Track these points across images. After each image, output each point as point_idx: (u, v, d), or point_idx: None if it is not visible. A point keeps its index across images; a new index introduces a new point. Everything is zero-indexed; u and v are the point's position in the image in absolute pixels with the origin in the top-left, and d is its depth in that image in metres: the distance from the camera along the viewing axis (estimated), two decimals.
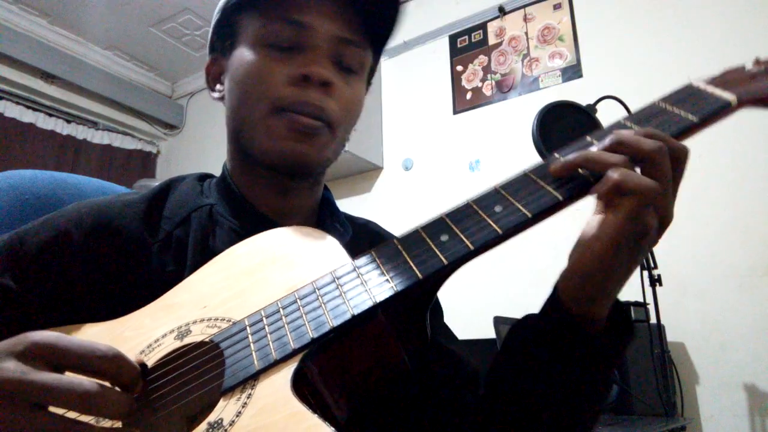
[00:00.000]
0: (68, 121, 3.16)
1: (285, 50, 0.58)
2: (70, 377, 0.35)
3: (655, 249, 1.46)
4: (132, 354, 0.46)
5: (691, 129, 0.45)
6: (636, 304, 1.59)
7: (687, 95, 0.48)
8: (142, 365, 0.41)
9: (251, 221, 0.60)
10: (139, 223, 0.57)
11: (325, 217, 0.68)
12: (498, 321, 1.39)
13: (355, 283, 0.43)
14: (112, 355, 0.37)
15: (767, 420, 1.60)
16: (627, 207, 0.39)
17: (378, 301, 0.41)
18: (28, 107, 2.97)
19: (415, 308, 0.45)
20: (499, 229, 0.41)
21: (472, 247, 0.41)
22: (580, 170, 0.43)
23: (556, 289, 0.47)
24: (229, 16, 0.62)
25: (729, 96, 0.46)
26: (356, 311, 0.41)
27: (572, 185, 0.42)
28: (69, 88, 3.07)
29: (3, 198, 0.68)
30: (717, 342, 1.71)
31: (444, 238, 0.43)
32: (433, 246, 0.43)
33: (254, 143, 0.59)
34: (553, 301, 0.47)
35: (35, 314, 0.52)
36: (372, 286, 0.42)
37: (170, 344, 0.45)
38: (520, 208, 0.42)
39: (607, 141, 0.43)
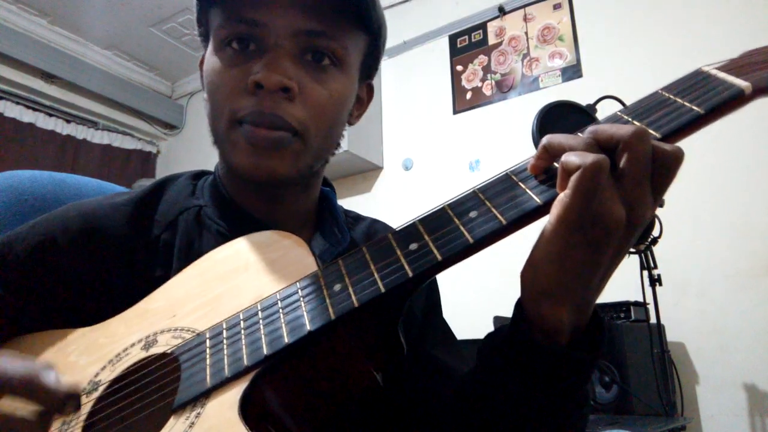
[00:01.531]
0: (68, 121, 3.15)
1: (245, 52, 0.53)
2: None
3: (655, 249, 1.46)
4: (103, 362, 0.45)
5: (696, 122, 0.38)
6: (636, 303, 1.59)
7: (694, 83, 0.41)
8: (72, 393, 0.39)
9: (241, 224, 0.58)
10: (127, 226, 0.56)
11: (323, 221, 0.66)
12: (498, 321, 1.39)
13: (318, 296, 0.40)
14: (19, 377, 0.37)
15: (767, 420, 1.60)
16: (573, 182, 0.35)
17: (335, 316, 0.38)
18: (28, 107, 2.97)
19: (384, 321, 0.42)
20: (471, 239, 0.38)
21: (440, 258, 0.38)
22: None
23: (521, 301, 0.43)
24: (201, 9, 0.58)
25: (742, 83, 0.39)
26: (313, 326, 0.38)
27: (555, 188, 0.38)
28: (69, 88, 3.07)
29: (2, 198, 0.68)
30: (717, 342, 1.71)
31: (413, 246, 0.39)
32: (400, 256, 0.39)
33: (225, 156, 0.57)
34: (516, 305, 0.44)
35: (23, 319, 0.52)
36: (333, 299, 0.39)
37: (136, 354, 0.45)
38: (497, 214, 0.38)
39: (582, 132, 0.39)
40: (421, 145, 2.54)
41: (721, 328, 1.71)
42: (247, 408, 0.36)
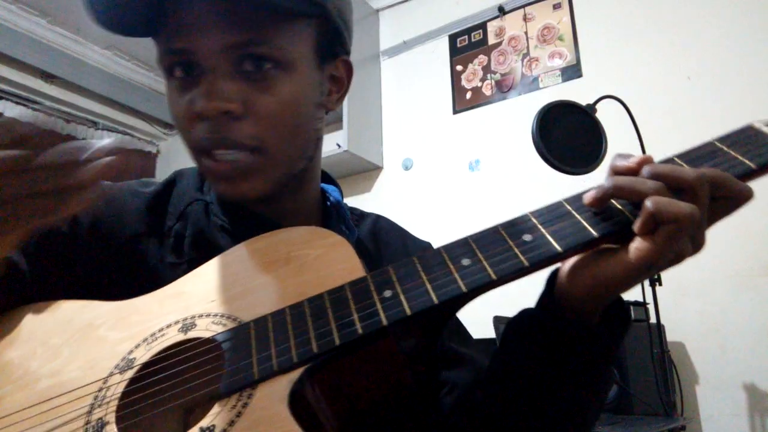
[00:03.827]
0: (68, 121, 3.15)
1: (189, 78, 0.53)
2: None
3: None
4: (137, 340, 0.46)
5: (747, 176, 0.41)
6: (636, 304, 1.59)
7: (746, 138, 0.44)
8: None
9: (247, 222, 0.59)
10: (143, 214, 0.59)
11: (329, 218, 0.66)
12: (498, 321, 1.39)
13: (367, 299, 0.41)
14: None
15: (767, 420, 1.60)
16: (664, 234, 0.37)
17: (389, 322, 0.39)
18: (28, 107, 2.97)
19: (426, 332, 0.43)
20: (525, 261, 0.39)
21: (495, 277, 0.39)
22: (618, 206, 0.41)
23: (552, 284, 0.46)
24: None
25: None
26: (365, 329, 0.39)
27: (611, 222, 0.40)
28: (69, 88, 3.07)
29: None
30: (717, 342, 1.71)
31: (466, 262, 0.41)
32: (453, 270, 0.40)
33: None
34: (549, 297, 0.46)
35: (40, 293, 0.53)
36: (385, 305, 0.40)
37: (174, 336, 0.45)
38: (551, 241, 0.40)
39: (643, 172, 0.40)
40: (421, 144, 2.54)
41: (721, 328, 1.71)
42: (293, 402, 0.37)
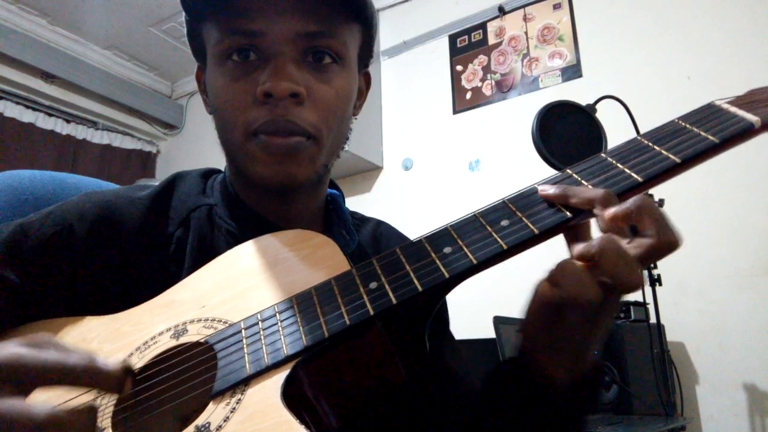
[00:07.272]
0: (68, 121, 3.15)
1: (247, 63, 0.54)
2: (24, 404, 0.30)
3: None
4: (129, 349, 0.46)
5: (711, 150, 0.43)
6: (636, 303, 1.59)
7: (708, 114, 0.46)
8: (127, 369, 0.37)
9: (251, 225, 0.59)
10: (142, 221, 0.57)
11: (331, 223, 0.66)
12: (498, 321, 1.39)
13: (354, 292, 0.42)
14: (82, 366, 0.33)
15: (767, 420, 1.60)
16: (565, 287, 0.40)
17: (374, 312, 0.40)
18: (28, 107, 2.97)
19: (413, 321, 0.44)
20: (504, 245, 0.41)
21: (475, 262, 0.40)
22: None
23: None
24: (194, 25, 0.59)
25: (752, 118, 0.43)
26: (352, 321, 0.40)
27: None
28: (69, 88, 3.07)
29: (2, 198, 0.68)
30: (717, 342, 1.71)
31: (447, 250, 0.42)
32: (435, 258, 0.42)
33: (241, 167, 0.57)
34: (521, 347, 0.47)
35: (36, 308, 0.52)
36: (371, 297, 0.41)
37: (166, 343, 0.45)
38: (528, 224, 0.41)
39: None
40: (421, 145, 2.54)
41: (721, 328, 1.71)
42: (287, 396, 0.37)
